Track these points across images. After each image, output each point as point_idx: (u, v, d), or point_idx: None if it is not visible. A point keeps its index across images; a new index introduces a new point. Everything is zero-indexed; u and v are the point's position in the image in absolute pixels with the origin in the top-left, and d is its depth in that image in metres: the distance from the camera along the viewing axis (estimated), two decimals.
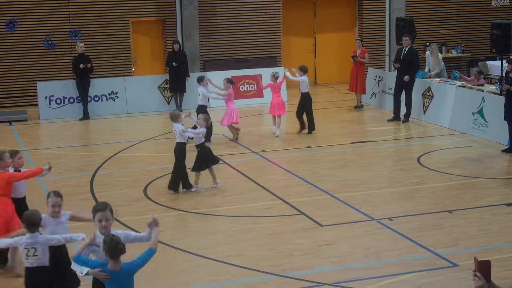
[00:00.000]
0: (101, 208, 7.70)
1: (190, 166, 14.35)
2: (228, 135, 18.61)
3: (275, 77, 18.85)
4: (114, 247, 7.09)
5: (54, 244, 8.57)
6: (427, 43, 26.54)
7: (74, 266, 7.39)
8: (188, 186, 14.19)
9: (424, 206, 13.16)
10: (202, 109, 17.49)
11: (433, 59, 22.48)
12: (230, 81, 18.34)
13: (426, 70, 22.75)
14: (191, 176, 14.27)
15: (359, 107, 22.16)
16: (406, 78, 19.94)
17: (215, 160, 14.49)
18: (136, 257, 7.39)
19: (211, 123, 18.26)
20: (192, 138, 14.75)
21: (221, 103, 19.24)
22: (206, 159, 14.24)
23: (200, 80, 18.08)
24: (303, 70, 19.03)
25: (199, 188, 14.28)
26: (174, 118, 13.98)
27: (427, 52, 23.02)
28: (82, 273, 7.33)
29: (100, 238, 7.47)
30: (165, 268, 10.53)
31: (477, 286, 5.64)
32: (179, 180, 14.19)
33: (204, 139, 14.26)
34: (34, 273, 8.44)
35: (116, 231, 7.78)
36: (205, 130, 14.18)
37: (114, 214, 7.90)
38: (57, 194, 9.14)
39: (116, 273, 7.14)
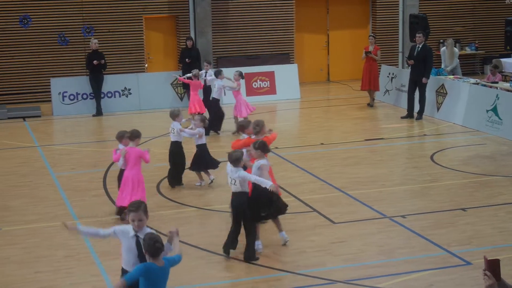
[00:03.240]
0: (133, 209, 7.66)
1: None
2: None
3: (195, 75, 19.29)
4: (153, 245, 7.16)
5: (250, 180, 10.52)
6: (441, 40, 26.49)
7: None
8: (175, 183, 14.39)
9: (437, 204, 13.12)
10: (215, 102, 18.36)
11: (447, 53, 22.33)
12: (241, 74, 18.82)
13: (443, 66, 22.64)
14: (192, 174, 14.38)
15: (371, 105, 22.08)
16: (425, 80, 19.86)
17: (215, 164, 14.56)
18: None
19: (223, 115, 18.43)
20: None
21: (233, 99, 19.21)
22: (207, 160, 14.38)
23: (218, 73, 18.58)
24: (219, 73, 19.15)
25: (203, 183, 14.41)
26: (173, 116, 14.18)
27: (443, 48, 22.84)
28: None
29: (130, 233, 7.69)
30: (178, 265, 10.51)
31: (487, 286, 5.62)
32: (180, 175, 14.46)
33: (204, 140, 14.33)
34: (234, 197, 10.67)
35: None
36: (203, 130, 14.23)
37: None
38: None
39: (162, 268, 7.24)
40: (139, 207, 7.65)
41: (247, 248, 10.71)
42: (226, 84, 18.51)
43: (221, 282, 10.07)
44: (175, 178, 14.41)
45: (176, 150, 14.32)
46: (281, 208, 11.12)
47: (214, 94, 18.59)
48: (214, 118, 18.55)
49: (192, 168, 14.42)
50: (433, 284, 9.84)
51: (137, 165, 12.11)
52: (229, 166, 10.64)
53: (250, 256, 10.67)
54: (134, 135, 12.24)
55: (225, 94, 18.84)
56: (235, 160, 10.50)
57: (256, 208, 10.80)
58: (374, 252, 10.99)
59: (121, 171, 12.49)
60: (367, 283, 9.88)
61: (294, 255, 10.92)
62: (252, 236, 10.71)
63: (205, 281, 10.14)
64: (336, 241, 11.44)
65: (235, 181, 10.57)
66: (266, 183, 10.38)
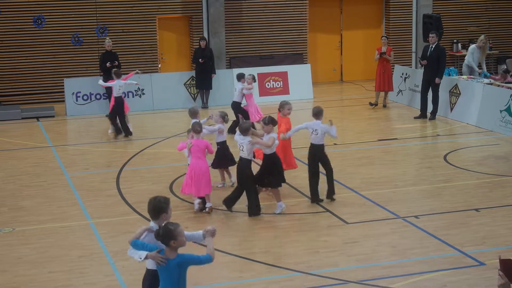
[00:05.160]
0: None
1: None
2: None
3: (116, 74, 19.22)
4: (164, 231, 7.09)
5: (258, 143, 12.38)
6: (454, 40, 26.44)
7: (131, 252, 7.38)
8: None
9: (450, 204, 13.08)
10: (236, 105, 18.47)
11: (481, 51, 21.69)
12: (254, 78, 18.89)
13: (478, 68, 21.64)
14: (214, 173, 14.32)
15: (374, 104, 22.00)
16: (438, 80, 19.80)
17: (233, 161, 14.58)
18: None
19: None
20: None
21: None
22: (228, 157, 14.28)
23: (241, 77, 18.57)
24: (116, 74, 18.85)
25: (225, 185, 14.35)
26: (194, 114, 14.06)
27: (473, 46, 22.14)
28: (141, 258, 7.30)
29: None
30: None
31: (499, 285, 5.65)
32: None
33: (225, 137, 14.24)
34: (240, 162, 12.56)
35: None
36: (222, 127, 14.14)
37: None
38: None
39: (169, 261, 7.14)
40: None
41: (248, 206, 12.55)
42: (243, 87, 18.48)
43: (233, 282, 10.07)
44: None
45: None
46: (279, 180, 12.72)
47: (235, 98, 18.57)
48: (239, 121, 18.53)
49: (214, 165, 14.37)
50: (446, 284, 9.82)
51: (204, 156, 12.65)
52: (237, 134, 12.54)
53: (252, 212, 12.50)
54: (202, 128, 12.78)
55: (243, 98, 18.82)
56: (245, 129, 12.37)
57: (263, 173, 12.57)
58: (387, 252, 10.98)
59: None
60: (380, 284, 9.87)
61: (306, 255, 10.92)
62: (251, 196, 12.47)
63: (217, 281, 10.15)
64: (349, 241, 11.43)
65: (243, 147, 12.33)
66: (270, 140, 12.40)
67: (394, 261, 10.62)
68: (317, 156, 13.20)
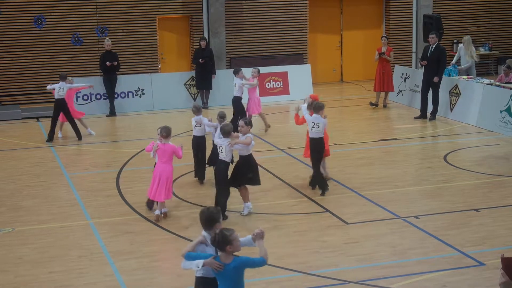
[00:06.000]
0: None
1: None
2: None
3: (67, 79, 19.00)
4: (220, 237, 7.16)
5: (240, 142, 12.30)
6: (455, 41, 26.43)
7: (186, 264, 7.44)
8: (200, 176, 14.64)
9: (450, 205, 13.08)
10: (237, 100, 18.44)
11: (465, 51, 22.22)
12: (259, 71, 18.94)
13: (454, 62, 22.45)
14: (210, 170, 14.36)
15: (375, 104, 22.01)
16: (436, 79, 19.80)
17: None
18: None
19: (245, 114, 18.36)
20: None
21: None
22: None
23: (236, 72, 18.65)
24: (60, 77, 18.64)
25: None
26: (198, 110, 14.25)
27: (460, 45, 22.68)
28: (198, 267, 7.32)
29: (208, 238, 7.53)
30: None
31: (500, 283, 5.68)
32: (204, 169, 14.64)
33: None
34: (218, 163, 12.51)
35: None
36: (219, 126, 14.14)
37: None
38: None
39: (226, 265, 7.20)
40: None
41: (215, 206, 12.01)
42: (244, 82, 18.50)
43: None
44: (199, 171, 14.54)
45: (203, 143, 14.46)
46: (256, 180, 12.70)
47: (235, 93, 18.56)
48: (236, 118, 18.47)
49: (209, 162, 14.42)
50: (446, 285, 9.82)
51: (170, 161, 12.50)
52: (217, 136, 12.56)
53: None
54: (168, 132, 12.53)
55: (243, 92, 18.82)
56: (227, 132, 12.29)
57: (242, 172, 12.49)
58: (387, 252, 10.98)
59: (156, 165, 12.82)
60: (380, 284, 9.87)
61: (306, 255, 10.92)
62: (221, 199, 12.42)
63: None
64: (349, 241, 11.43)
65: (222, 149, 12.29)
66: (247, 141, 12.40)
67: (394, 261, 10.62)
68: (318, 148, 13.64)
